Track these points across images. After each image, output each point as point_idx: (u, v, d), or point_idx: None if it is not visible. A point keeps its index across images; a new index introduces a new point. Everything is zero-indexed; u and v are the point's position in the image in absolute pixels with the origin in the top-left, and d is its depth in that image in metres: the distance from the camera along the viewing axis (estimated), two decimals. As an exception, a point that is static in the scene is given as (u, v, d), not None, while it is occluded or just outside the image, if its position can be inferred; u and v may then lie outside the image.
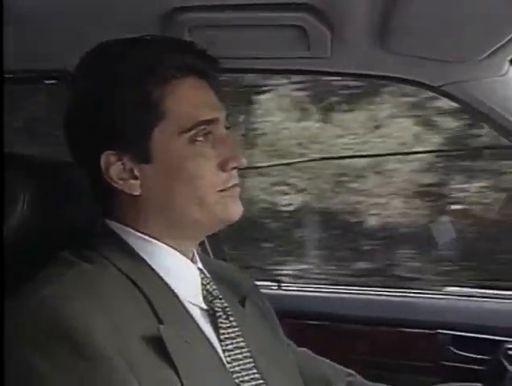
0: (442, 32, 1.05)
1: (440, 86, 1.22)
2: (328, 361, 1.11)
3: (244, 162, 0.87)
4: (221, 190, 0.85)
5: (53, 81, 1.40)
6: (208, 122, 0.84)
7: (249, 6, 1.03)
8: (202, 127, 0.84)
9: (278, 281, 1.72)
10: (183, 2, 1.03)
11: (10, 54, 0.99)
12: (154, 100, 0.82)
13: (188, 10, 1.04)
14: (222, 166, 0.85)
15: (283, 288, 1.71)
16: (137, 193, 0.84)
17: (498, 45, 1.06)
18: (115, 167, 0.83)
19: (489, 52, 1.08)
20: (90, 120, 0.84)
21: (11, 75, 1.32)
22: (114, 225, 0.86)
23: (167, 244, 0.86)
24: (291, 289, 1.73)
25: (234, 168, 0.86)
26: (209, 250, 1.60)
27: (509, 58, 1.14)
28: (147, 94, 0.82)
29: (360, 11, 1.01)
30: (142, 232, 0.85)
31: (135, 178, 0.83)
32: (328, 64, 1.21)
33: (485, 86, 1.20)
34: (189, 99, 0.84)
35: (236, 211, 0.87)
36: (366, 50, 1.14)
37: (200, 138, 0.84)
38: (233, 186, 0.87)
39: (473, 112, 1.25)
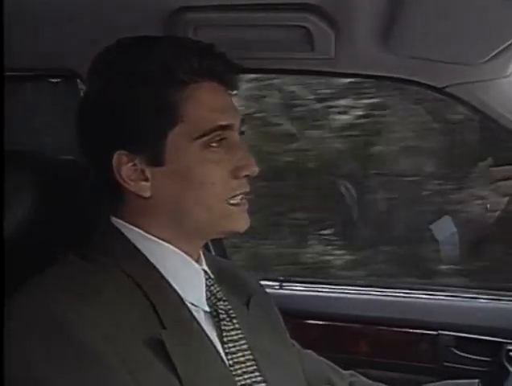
0: (446, 33, 1.04)
1: (445, 87, 1.22)
2: (331, 364, 1.11)
3: (256, 170, 0.86)
4: (231, 203, 0.85)
5: (57, 79, 1.40)
6: (224, 128, 0.84)
7: (254, 6, 1.03)
8: (218, 132, 0.83)
9: (280, 281, 1.71)
10: (189, 1, 1.03)
11: (15, 52, 0.99)
12: (172, 103, 0.82)
13: (193, 9, 1.04)
14: (234, 174, 0.84)
15: (285, 287, 1.71)
16: (147, 195, 0.83)
17: (503, 47, 1.06)
18: (127, 168, 0.83)
19: (493, 54, 1.08)
20: (105, 118, 0.83)
21: (16, 74, 1.33)
22: (121, 224, 0.86)
23: (174, 246, 0.86)
24: (293, 289, 1.72)
25: (246, 176, 0.86)
26: (210, 244, 1.59)
27: (513, 59, 1.14)
28: (165, 96, 0.82)
29: (364, 12, 1.01)
30: (148, 233, 0.85)
31: (146, 179, 0.83)
32: (333, 65, 1.21)
33: (489, 87, 1.20)
34: (207, 104, 0.83)
35: (242, 224, 0.87)
36: (370, 51, 1.14)
37: (215, 144, 0.83)
38: (242, 197, 0.86)
39: (478, 113, 1.26)
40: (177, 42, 0.87)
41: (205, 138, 0.82)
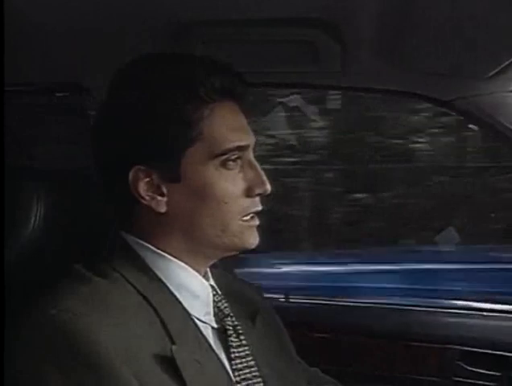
0: (453, 48, 1.05)
1: (451, 101, 1.22)
2: (337, 383, 1.10)
3: (269, 189, 0.86)
4: (243, 219, 0.85)
5: (64, 94, 1.40)
6: (242, 148, 0.84)
7: (262, 22, 1.03)
8: (235, 152, 0.84)
9: (286, 293, 1.71)
10: (198, 16, 1.03)
11: (20, 66, 0.99)
12: (191, 121, 0.82)
13: (203, 24, 1.05)
14: (248, 192, 0.85)
15: (291, 300, 1.70)
16: (162, 210, 0.83)
17: (509, 60, 1.06)
18: (143, 183, 0.83)
19: (499, 68, 1.09)
20: (123, 133, 0.84)
21: (23, 88, 1.33)
22: (131, 239, 0.86)
23: (183, 261, 0.86)
24: (299, 301, 1.72)
25: (259, 194, 0.86)
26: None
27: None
28: (185, 114, 0.82)
29: (371, 27, 1.01)
30: (158, 248, 0.85)
31: (162, 194, 0.83)
32: (339, 79, 1.22)
33: (495, 101, 1.20)
34: (226, 123, 0.84)
35: (253, 240, 0.87)
36: (377, 65, 1.14)
37: (230, 163, 0.84)
38: (254, 214, 0.86)
39: (484, 126, 1.26)
40: (198, 60, 0.87)
41: (222, 157, 0.83)
